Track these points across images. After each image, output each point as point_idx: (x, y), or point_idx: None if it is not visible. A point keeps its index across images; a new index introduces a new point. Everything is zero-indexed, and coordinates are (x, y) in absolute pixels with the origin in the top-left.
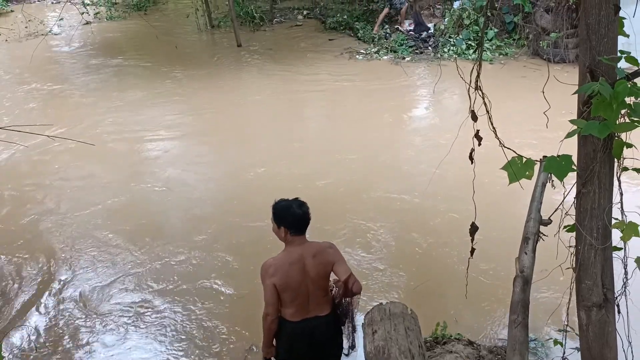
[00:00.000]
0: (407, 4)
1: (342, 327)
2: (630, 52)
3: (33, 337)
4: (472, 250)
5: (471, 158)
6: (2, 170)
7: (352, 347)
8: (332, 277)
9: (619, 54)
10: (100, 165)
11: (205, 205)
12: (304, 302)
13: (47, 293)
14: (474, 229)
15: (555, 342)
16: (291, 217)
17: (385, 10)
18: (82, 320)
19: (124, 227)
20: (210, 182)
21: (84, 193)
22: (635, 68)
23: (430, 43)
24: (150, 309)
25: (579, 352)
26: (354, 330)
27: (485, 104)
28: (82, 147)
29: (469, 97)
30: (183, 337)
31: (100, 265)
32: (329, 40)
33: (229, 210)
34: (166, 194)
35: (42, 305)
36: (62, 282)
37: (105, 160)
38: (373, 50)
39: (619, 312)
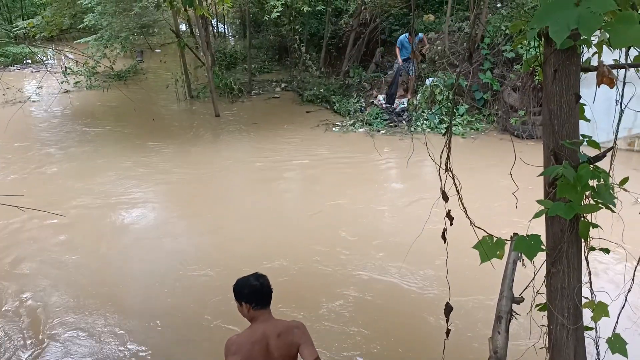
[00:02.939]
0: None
1: None
2: (591, 136)
3: None
4: (448, 331)
5: (444, 238)
6: None
7: None
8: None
9: (581, 138)
10: (70, 236)
11: (167, 279)
12: None
13: None
14: (448, 309)
15: None
16: (248, 289)
17: (400, 78)
18: None
19: (90, 300)
20: (175, 257)
21: (52, 266)
22: (597, 151)
23: (404, 117)
24: None
25: None
26: None
27: (455, 185)
28: (53, 217)
29: (440, 178)
30: None
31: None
32: (306, 112)
33: (195, 286)
34: (128, 265)
35: None
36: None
37: (75, 231)
38: (349, 122)
39: None
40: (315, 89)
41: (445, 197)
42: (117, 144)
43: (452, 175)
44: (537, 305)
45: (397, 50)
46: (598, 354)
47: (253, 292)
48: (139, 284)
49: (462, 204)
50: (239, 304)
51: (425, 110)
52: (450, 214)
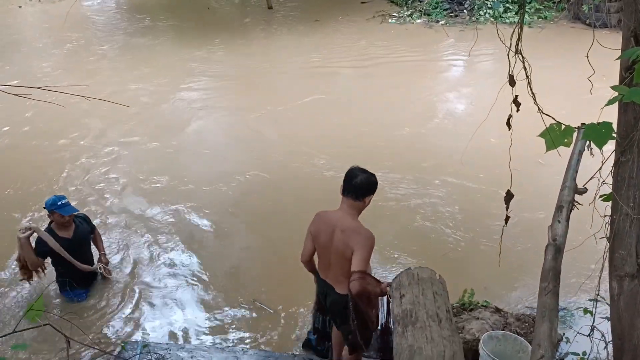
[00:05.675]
0: None
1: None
2: None
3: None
4: (507, 218)
5: (509, 124)
6: (44, 129)
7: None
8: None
9: None
10: (134, 127)
11: (229, 165)
12: (326, 264)
13: None
14: (509, 196)
15: (585, 310)
16: (347, 173)
17: None
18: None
19: (152, 185)
20: (233, 148)
21: (119, 155)
22: None
23: (465, 6)
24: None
25: (609, 322)
26: (367, 342)
27: (525, 69)
28: (117, 107)
29: (509, 61)
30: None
31: (125, 218)
32: (361, 2)
33: (255, 175)
34: (191, 156)
35: None
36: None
37: (137, 122)
38: (406, 13)
39: None
40: None
41: (512, 82)
42: (175, 38)
43: (523, 58)
44: (601, 196)
45: None
46: None
47: (346, 177)
48: (199, 164)
49: (531, 89)
50: None
51: None
52: (517, 99)
